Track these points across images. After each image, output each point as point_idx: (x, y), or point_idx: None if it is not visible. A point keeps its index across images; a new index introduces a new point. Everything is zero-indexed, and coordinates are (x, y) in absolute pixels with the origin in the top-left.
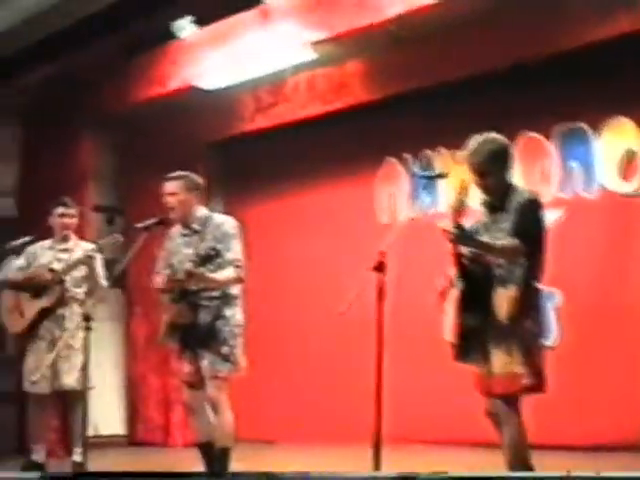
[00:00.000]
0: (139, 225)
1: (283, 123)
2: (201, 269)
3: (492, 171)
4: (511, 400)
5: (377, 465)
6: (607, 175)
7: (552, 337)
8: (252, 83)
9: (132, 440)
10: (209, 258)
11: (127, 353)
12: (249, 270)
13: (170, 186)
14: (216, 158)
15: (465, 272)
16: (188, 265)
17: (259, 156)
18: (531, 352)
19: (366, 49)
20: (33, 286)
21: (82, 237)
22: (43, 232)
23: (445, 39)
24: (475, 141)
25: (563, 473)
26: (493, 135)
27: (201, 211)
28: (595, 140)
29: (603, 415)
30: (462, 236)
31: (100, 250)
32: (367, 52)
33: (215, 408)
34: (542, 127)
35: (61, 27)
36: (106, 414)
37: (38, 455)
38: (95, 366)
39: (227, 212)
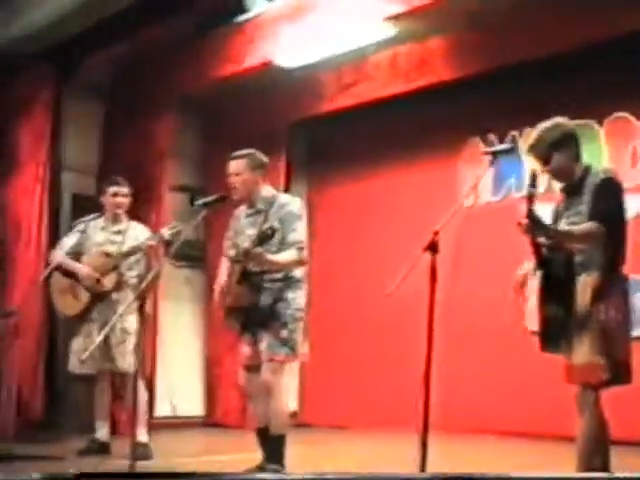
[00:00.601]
0: (197, 202)
1: (365, 102)
2: (260, 249)
3: (557, 157)
4: (591, 391)
5: (424, 453)
6: None
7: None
8: (333, 61)
9: (209, 422)
10: (269, 238)
11: (207, 335)
12: (333, 253)
13: (233, 165)
14: (298, 138)
15: (545, 260)
16: (246, 245)
17: (342, 136)
18: (614, 343)
19: (447, 25)
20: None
21: (159, 217)
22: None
23: (530, 16)
24: (538, 129)
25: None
26: (557, 121)
27: (267, 190)
28: None
29: None
30: (536, 226)
31: (160, 237)
32: (448, 28)
33: (269, 393)
34: (633, 106)
35: (132, 3)
36: (185, 395)
37: (101, 433)
38: (175, 347)
39: (310, 193)
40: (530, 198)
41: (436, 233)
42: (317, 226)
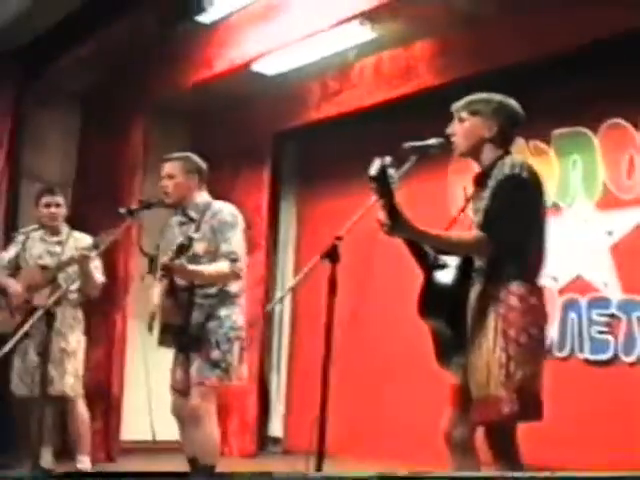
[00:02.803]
0: (121, 210)
1: (351, 111)
2: (179, 261)
3: (469, 122)
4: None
5: None
6: None
7: (636, 352)
8: (316, 68)
9: None
10: (187, 249)
11: None
12: (323, 270)
13: (167, 167)
14: (284, 150)
15: (434, 265)
16: (165, 258)
17: (331, 146)
18: (516, 372)
19: (432, 28)
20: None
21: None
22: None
23: (519, 17)
24: (469, 97)
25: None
26: (493, 95)
27: (201, 197)
28: None
29: None
30: (396, 226)
31: (96, 246)
32: (433, 31)
33: (197, 420)
34: (628, 112)
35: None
36: (164, 419)
37: (45, 460)
38: (159, 370)
39: (299, 208)
40: (384, 192)
41: (338, 238)
42: (307, 242)
